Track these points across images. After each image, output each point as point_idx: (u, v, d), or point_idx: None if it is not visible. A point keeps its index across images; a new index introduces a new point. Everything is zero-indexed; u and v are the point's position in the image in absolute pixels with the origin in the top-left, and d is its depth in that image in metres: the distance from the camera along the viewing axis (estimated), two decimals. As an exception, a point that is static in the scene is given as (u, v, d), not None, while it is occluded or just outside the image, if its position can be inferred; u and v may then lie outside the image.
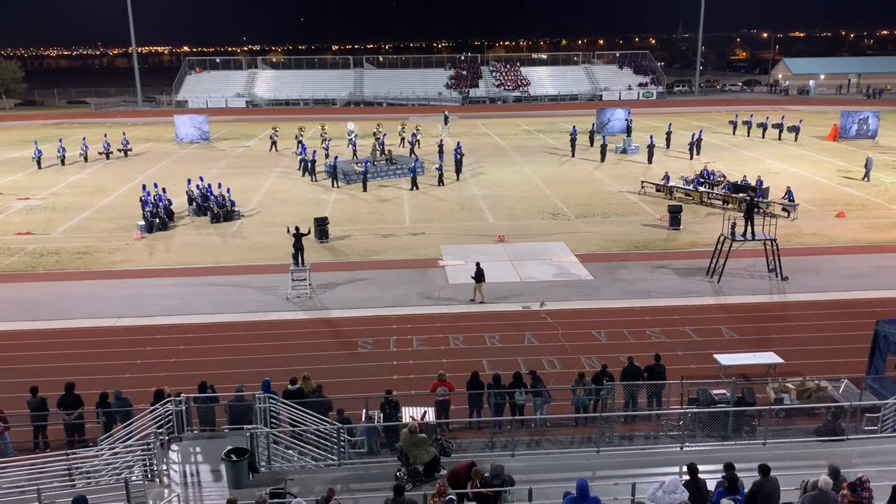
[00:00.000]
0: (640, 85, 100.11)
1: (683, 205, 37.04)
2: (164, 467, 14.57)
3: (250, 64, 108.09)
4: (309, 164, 46.93)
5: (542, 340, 22.54)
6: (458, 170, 47.52)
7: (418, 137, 57.49)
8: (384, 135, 55.48)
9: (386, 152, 48.83)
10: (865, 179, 44.52)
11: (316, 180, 46.16)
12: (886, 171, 47.37)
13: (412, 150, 53.82)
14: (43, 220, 37.40)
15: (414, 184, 43.63)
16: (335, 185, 44.52)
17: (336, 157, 46.75)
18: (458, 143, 52.54)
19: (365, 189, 43.50)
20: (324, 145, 53.54)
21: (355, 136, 56.24)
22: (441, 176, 45.19)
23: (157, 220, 35.47)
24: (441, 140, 54.12)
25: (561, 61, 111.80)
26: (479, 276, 25.65)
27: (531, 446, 16.22)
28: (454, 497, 11.83)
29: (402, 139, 57.69)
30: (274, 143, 56.84)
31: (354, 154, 51.54)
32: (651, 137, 52.50)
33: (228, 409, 16.15)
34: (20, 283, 28.24)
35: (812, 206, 38.40)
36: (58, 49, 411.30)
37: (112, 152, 55.33)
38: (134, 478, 13.94)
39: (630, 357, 18.26)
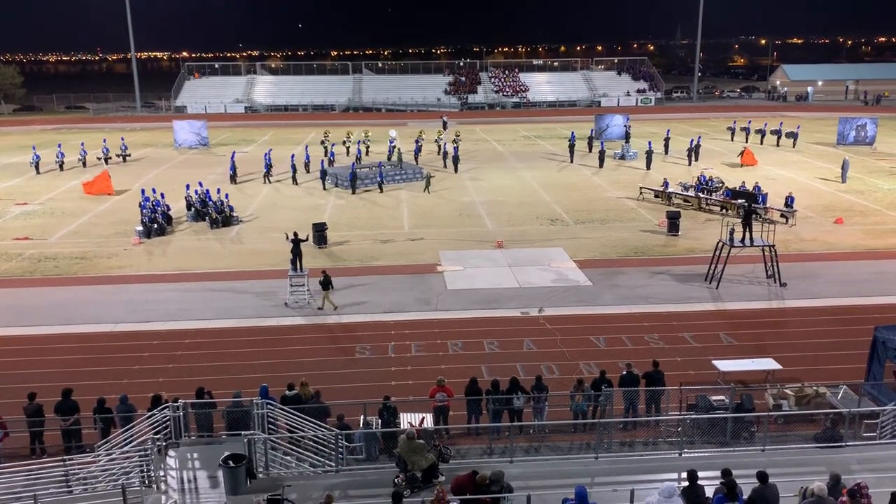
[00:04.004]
0: (639, 91, 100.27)
1: (682, 211, 37.06)
2: (162, 473, 14.52)
3: (249, 69, 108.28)
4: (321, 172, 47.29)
5: (540, 346, 22.51)
6: (455, 164, 50.71)
7: (368, 144, 57.84)
8: (423, 140, 57.22)
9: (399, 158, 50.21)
10: (842, 181, 45.36)
11: (326, 188, 45.99)
12: (884, 178, 47.47)
13: (385, 156, 54.75)
14: (41, 226, 37.36)
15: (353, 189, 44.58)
16: (353, 191, 44.64)
17: (350, 164, 47.62)
18: (447, 144, 54.68)
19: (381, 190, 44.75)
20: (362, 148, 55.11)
21: (392, 142, 56.47)
22: (381, 183, 45.23)
23: (156, 226, 35.43)
24: (391, 143, 55.31)
25: (559, 67, 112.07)
26: (325, 283, 25.48)
27: (530, 452, 16.20)
28: (456, 504, 11.83)
29: (440, 147, 57.81)
30: (325, 148, 56.47)
31: (389, 159, 52.38)
32: (649, 143, 52.58)
33: (226, 415, 16.10)
34: (18, 289, 28.18)
35: (810, 212, 38.44)
36: (57, 54, 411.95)
37: (111, 157, 55.38)
38: (131, 484, 13.88)
39: (628, 363, 18.24)
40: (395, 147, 54.09)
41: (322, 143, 57.13)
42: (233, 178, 47.39)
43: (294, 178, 47.16)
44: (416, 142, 56.98)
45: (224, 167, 50.71)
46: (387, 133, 60.17)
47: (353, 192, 44.22)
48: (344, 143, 57.59)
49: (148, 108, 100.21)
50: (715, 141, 63.79)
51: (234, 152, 51.97)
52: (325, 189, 45.49)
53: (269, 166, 48.25)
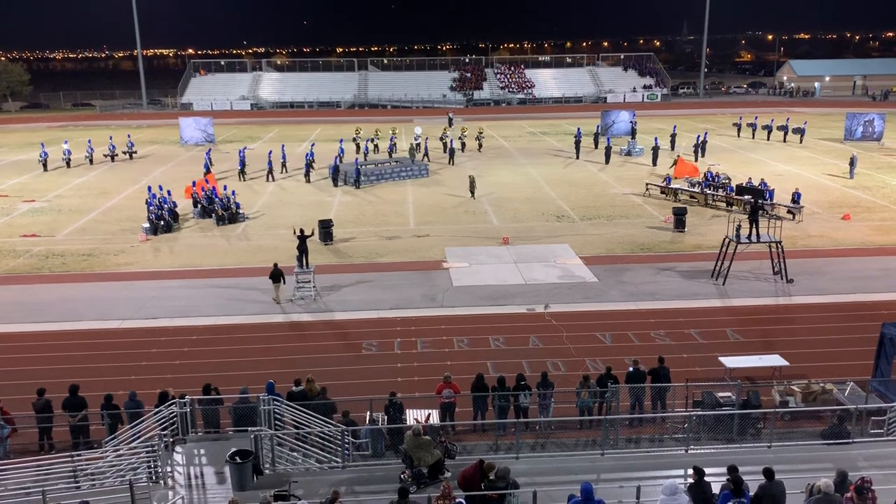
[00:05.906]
0: (645, 87, 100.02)
1: (688, 207, 36.94)
2: (169, 469, 14.58)
3: (255, 66, 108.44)
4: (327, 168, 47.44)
5: (546, 343, 22.50)
6: (451, 156, 52.85)
7: (395, 142, 57.92)
8: (447, 137, 57.59)
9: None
10: (850, 177, 45.29)
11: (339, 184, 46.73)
12: (892, 174, 47.24)
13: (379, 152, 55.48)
14: (48, 223, 37.51)
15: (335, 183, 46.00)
16: (344, 186, 45.38)
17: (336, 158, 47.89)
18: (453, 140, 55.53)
19: (357, 186, 45.22)
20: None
21: (417, 138, 56.70)
22: (358, 180, 45.53)
23: (162, 223, 35.53)
24: (416, 139, 55.66)
25: (565, 63, 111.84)
26: (276, 276, 25.65)
27: (535, 449, 16.20)
28: (462, 501, 11.81)
29: (463, 144, 58.25)
30: (358, 145, 56.86)
31: (425, 156, 53.48)
32: (655, 139, 52.45)
33: (233, 411, 16.16)
34: (26, 285, 28.31)
35: (817, 208, 38.29)
36: (63, 52, 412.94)
37: (117, 154, 55.51)
38: (138, 480, 13.95)
39: (635, 360, 18.22)
40: (419, 143, 54.45)
41: (354, 139, 57.41)
42: (206, 173, 47.38)
43: (270, 175, 47.71)
44: (441, 139, 57.10)
45: (232, 164, 50.88)
46: (404, 129, 60.46)
47: (335, 186, 45.35)
48: (372, 140, 57.89)
49: (154, 106, 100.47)
50: (721, 137, 63.59)
51: (209, 151, 52.14)
52: (308, 182, 46.78)
53: (243, 163, 48.39)
